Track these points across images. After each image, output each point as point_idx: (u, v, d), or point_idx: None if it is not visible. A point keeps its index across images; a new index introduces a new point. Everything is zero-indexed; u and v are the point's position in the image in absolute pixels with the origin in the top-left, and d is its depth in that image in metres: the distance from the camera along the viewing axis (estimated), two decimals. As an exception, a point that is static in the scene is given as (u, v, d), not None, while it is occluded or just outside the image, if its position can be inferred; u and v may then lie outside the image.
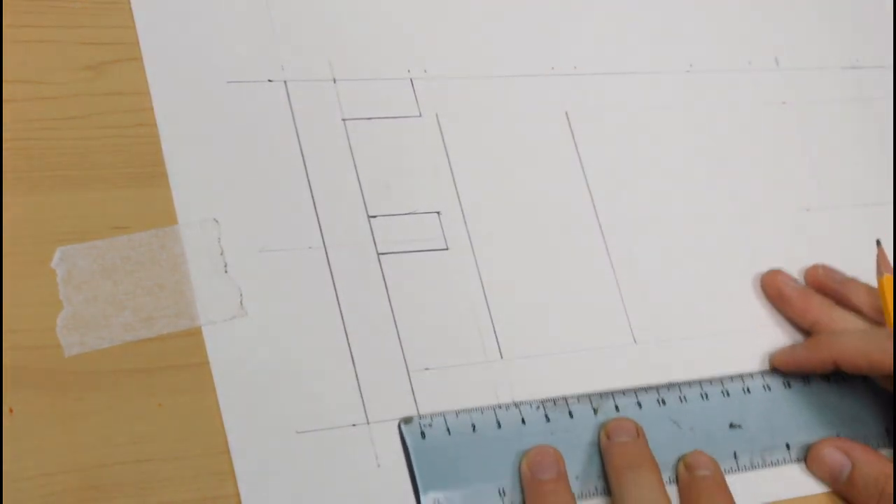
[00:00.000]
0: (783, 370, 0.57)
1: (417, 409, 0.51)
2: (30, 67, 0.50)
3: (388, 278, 0.53)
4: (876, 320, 0.57)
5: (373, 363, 0.51)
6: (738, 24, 0.66)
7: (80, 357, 0.47)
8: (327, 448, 0.49)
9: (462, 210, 0.55)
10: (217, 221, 0.51)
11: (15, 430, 0.45)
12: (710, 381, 0.55)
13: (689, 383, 0.55)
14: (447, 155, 0.56)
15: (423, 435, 0.50)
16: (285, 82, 0.54)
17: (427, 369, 0.52)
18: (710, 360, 0.57)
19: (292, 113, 0.54)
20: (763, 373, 0.57)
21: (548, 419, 0.52)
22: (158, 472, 0.46)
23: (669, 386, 0.55)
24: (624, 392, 0.54)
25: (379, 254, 0.53)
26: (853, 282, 0.59)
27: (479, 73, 0.58)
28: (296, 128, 0.54)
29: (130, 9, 0.53)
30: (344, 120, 0.55)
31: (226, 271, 0.50)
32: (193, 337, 0.49)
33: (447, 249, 0.54)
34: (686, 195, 0.60)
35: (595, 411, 0.53)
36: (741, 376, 0.56)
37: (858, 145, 0.65)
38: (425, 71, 0.57)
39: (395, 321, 0.52)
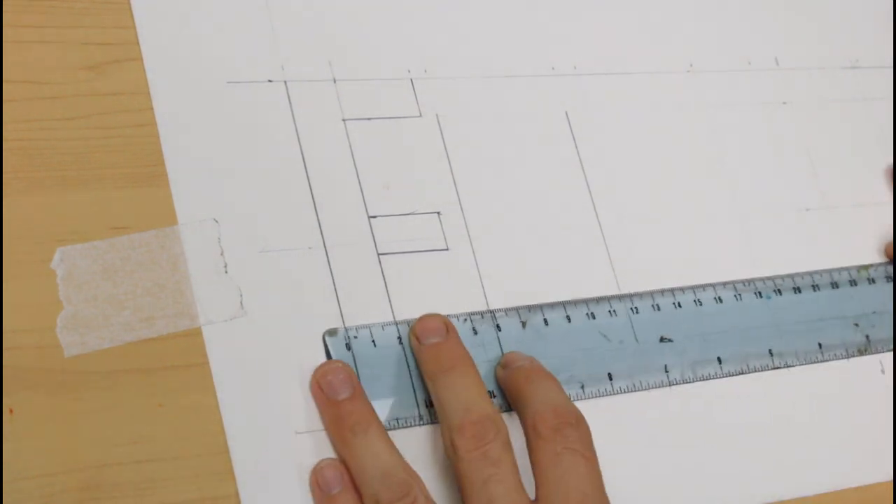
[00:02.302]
0: None
1: (418, 411, 0.50)
2: (30, 67, 0.50)
3: (388, 278, 0.53)
4: None
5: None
6: (738, 24, 0.66)
7: (80, 357, 0.47)
8: (327, 448, 0.49)
9: (462, 210, 0.55)
10: (217, 221, 0.51)
11: (15, 430, 0.45)
12: (641, 296, 0.56)
13: (620, 297, 0.55)
14: (447, 155, 0.56)
15: (347, 346, 0.50)
16: (285, 82, 0.54)
17: (427, 369, 0.52)
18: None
19: (292, 113, 0.54)
20: (695, 288, 0.57)
21: (475, 332, 0.52)
22: (158, 472, 0.46)
23: (598, 300, 0.55)
24: (552, 305, 0.54)
25: (379, 254, 0.53)
26: None
27: (479, 73, 0.58)
28: (296, 128, 0.54)
29: (130, 9, 0.53)
30: (344, 120, 0.55)
31: (226, 271, 0.50)
32: (193, 337, 0.49)
33: (447, 249, 0.54)
34: (686, 195, 0.60)
35: (523, 325, 0.53)
36: (672, 291, 0.56)
37: (858, 145, 0.65)
38: (425, 71, 0.57)
39: (395, 321, 0.52)
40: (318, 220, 0.53)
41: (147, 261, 0.49)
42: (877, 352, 0.59)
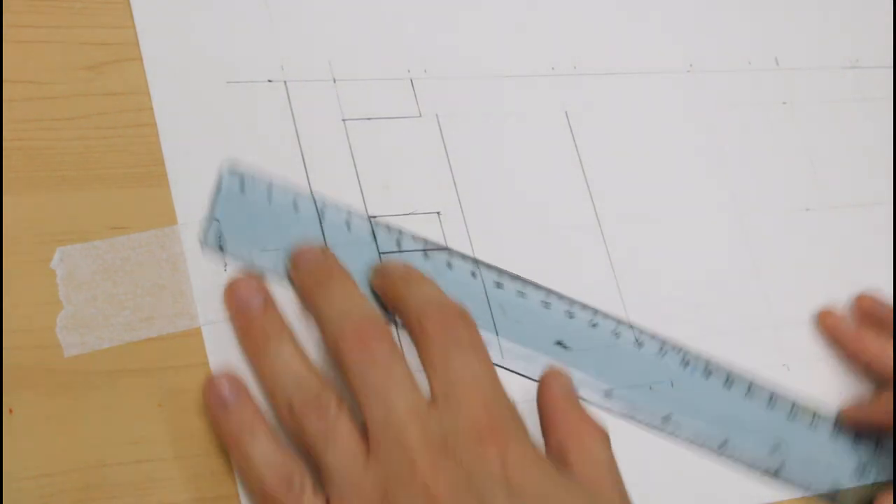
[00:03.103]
0: (853, 427, 0.57)
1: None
2: (30, 67, 0.50)
3: (388, 278, 0.53)
4: None
5: (373, 363, 0.51)
6: (738, 24, 0.66)
7: (80, 357, 0.47)
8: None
9: (462, 210, 0.55)
10: (217, 221, 0.51)
11: (15, 430, 0.45)
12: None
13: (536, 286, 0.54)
14: (447, 155, 0.56)
15: (242, 189, 0.50)
16: (285, 82, 0.54)
17: (427, 369, 0.52)
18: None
19: (292, 113, 0.54)
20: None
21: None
22: (158, 472, 0.46)
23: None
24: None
25: (379, 254, 0.53)
26: None
27: (479, 73, 0.58)
28: (296, 128, 0.54)
29: (130, 9, 0.53)
30: (344, 120, 0.55)
31: (226, 271, 0.50)
32: (193, 337, 0.49)
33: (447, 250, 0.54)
34: (686, 195, 0.60)
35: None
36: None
37: (858, 145, 0.65)
38: (425, 71, 0.57)
39: (396, 321, 0.52)
40: (319, 220, 0.53)
41: (147, 261, 0.49)
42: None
